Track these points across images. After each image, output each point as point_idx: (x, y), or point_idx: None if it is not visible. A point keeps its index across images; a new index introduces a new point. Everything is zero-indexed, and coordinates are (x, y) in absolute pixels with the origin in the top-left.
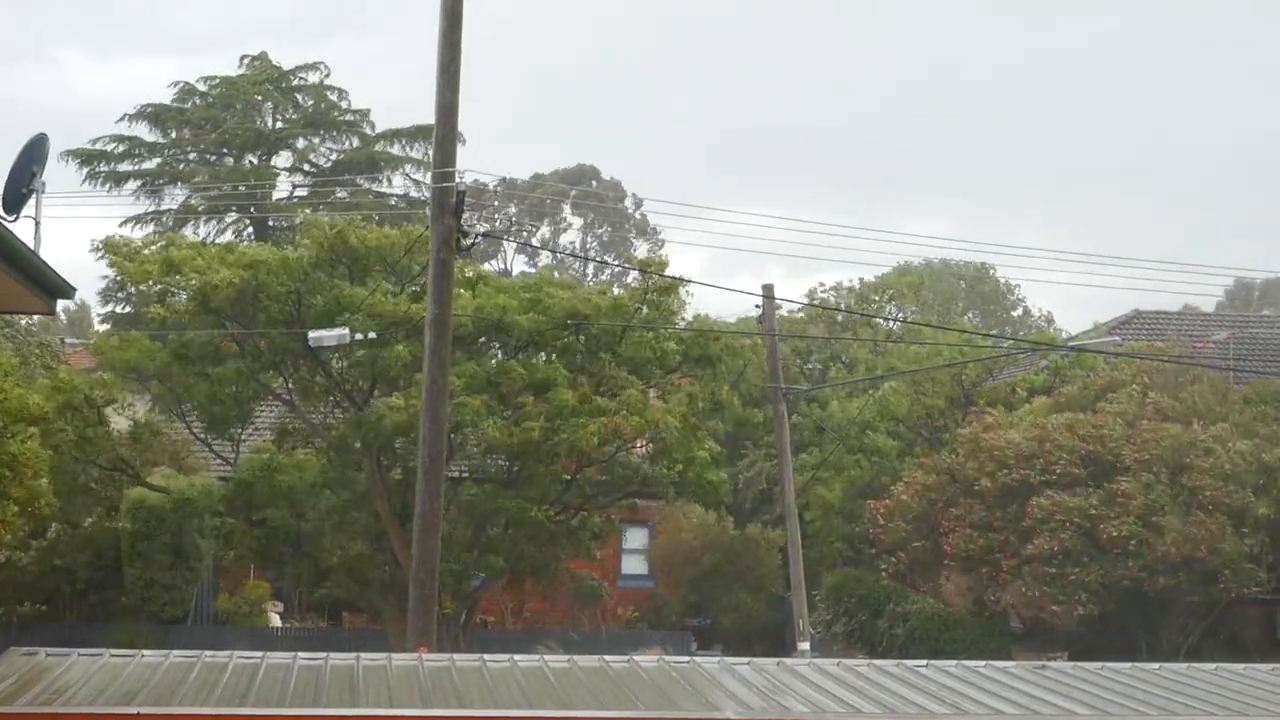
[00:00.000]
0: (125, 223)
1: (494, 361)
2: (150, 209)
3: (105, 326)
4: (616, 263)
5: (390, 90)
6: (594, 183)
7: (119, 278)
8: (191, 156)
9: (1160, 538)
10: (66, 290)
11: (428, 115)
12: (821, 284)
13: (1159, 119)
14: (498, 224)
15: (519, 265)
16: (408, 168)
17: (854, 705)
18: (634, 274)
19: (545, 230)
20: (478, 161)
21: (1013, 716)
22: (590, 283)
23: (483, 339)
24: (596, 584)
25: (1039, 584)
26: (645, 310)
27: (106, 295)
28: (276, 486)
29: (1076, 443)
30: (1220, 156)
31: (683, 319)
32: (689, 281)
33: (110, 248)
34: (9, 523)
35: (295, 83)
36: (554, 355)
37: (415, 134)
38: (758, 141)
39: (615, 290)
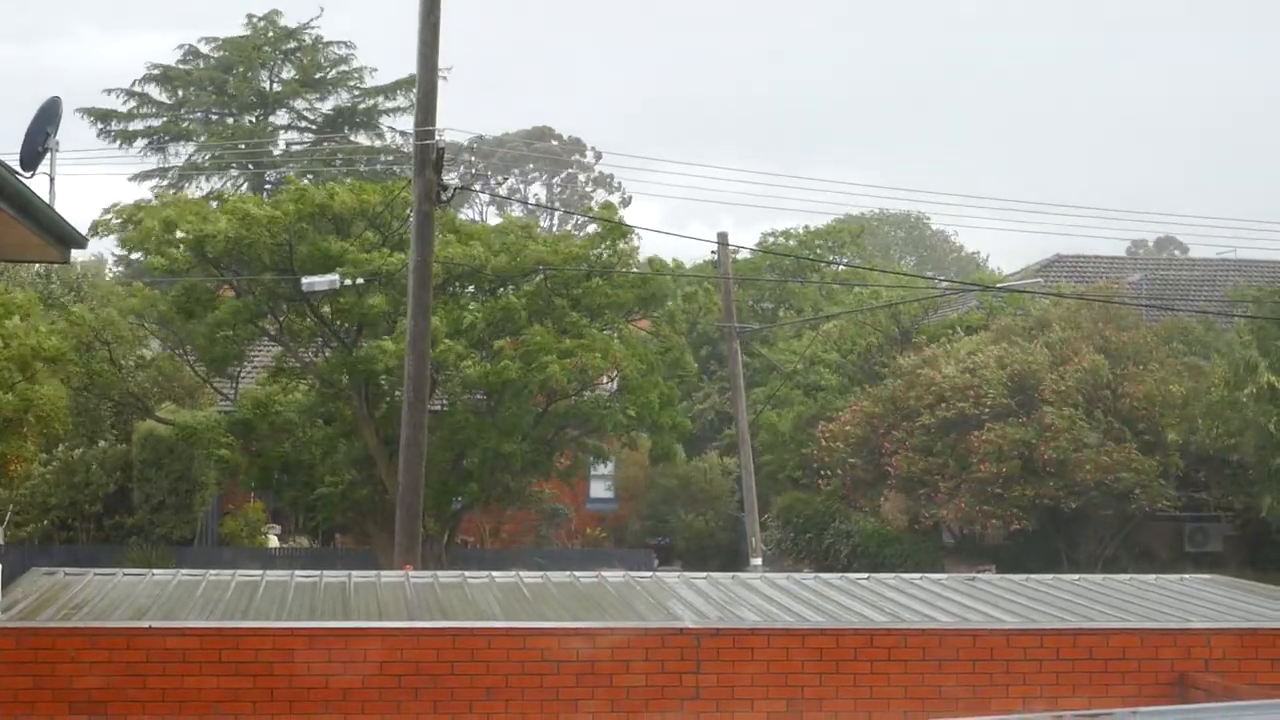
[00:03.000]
0: (134, 178)
1: (464, 308)
2: (157, 166)
3: (119, 269)
4: (577, 214)
5: (381, 33)
6: (554, 141)
7: (123, 246)
8: (195, 115)
9: (1081, 464)
10: (79, 240)
11: (411, 64)
12: (774, 229)
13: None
14: (474, 174)
15: (491, 215)
16: (394, 120)
17: (802, 615)
18: (594, 225)
19: (514, 183)
20: (453, 119)
21: (946, 624)
22: (554, 231)
23: (456, 284)
24: (563, 509)
25: (979, 502)
26: (605, 254)
27: (121, 245)
28: (273, 420)
29: (1001, 372)
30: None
31: (635, 263)
32: (635, 229)
33: (104, 227)
34: (27, 459)
35: (293, 44)
36: (521, 298)
37: (398, 86)
38: (713, 103)
39: (576, 238)
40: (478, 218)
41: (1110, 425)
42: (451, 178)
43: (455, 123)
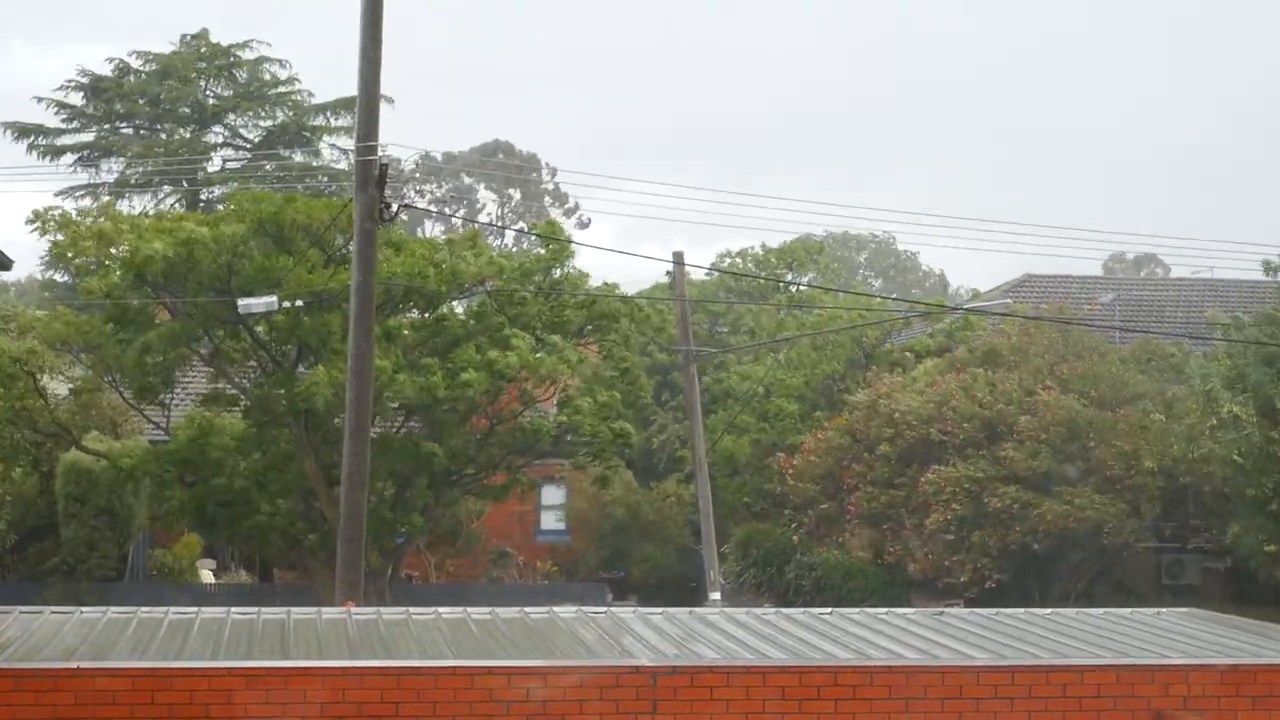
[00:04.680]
0: (60, 193)
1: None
2: (87, 181)
3: (46, 294)
4: (523, 231)
5: (320, 60)
6: (501, 155)
7: (54, 252)
8: (126, 130)
9: (1039, 506)
10: (4, 262)
11: (353, 86)
12: (729, 250)
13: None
14: (423, 195)
15: (438, 234)
16: (335, 138)
17: (763, 651)
18: (537, 244)
19: (465, 202)
20: (400, 136)
21: (914, 660)
22: (509, 248)
23: (399, 307)
24: (505, 552)
25: (943, 551)
26: (555, 273)
27: (49, 264)
28: (207, 450)
29: (976, 409)
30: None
31: (584, 284)
32: (581, 245)
33: (42, 220)
34: None
35: (231, 59)
36: (463, 317)
37: (339, 105)
38: (670, 122)
39: (523, 254)
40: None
41: (1080, 467)
42: (398, 196)
43: (403, 139)
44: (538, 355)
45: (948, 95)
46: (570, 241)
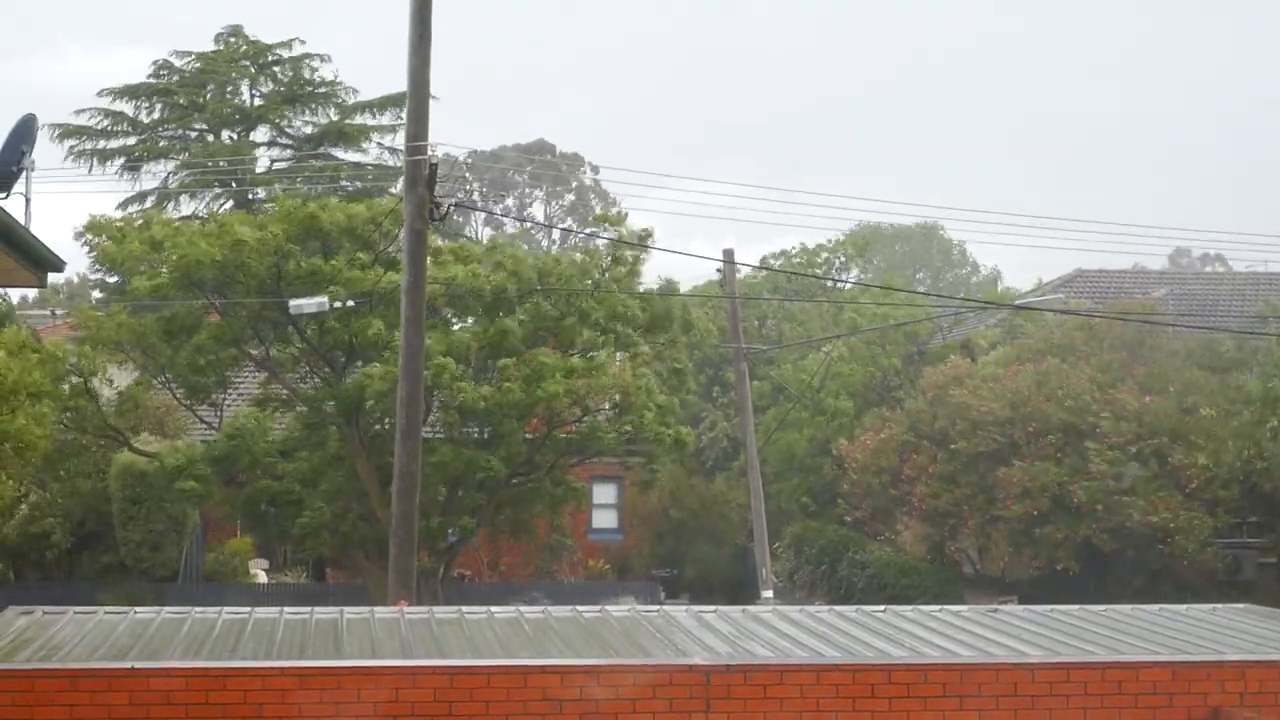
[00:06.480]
0: (122, 203)
1: (457, 331)
2: (134, 190)
3: (98, 295)
4: (578, 229)
5: (368, 58)
6: (550, 156)
7: (104, 263)
8: (169, 131)
9: (1125, 508)
10: (57, 264)
11: (400, 82)
12: (777, 249)
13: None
14: (470, 192)
15: (486, 235)
16: (380, 137)
17: (817, 650)
18: (600, 240)
19: (510, 201)
20: (444, 135)
21: (968, 658)
22: (555, 247)
23: (452, 313)
24: (565, 541)
25: (1014, 542)
26: (611, 266)
27: (95, 269)
28: (257, 451)
29: (1057, 410)
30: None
31: (641, 280)
32: (647, 244)
33: (93, 229)
34: (3, 496)
35: (271, 58)
36: (522, 318)
37: (386, 102)
38: (715, 117)
39: (578, 256)
40: (475, 237)
41: (1156, 474)
42: (450, 195)
43: (446, 139)
44: (592, 356)
45: (952, 96)
46: (631, 244)
